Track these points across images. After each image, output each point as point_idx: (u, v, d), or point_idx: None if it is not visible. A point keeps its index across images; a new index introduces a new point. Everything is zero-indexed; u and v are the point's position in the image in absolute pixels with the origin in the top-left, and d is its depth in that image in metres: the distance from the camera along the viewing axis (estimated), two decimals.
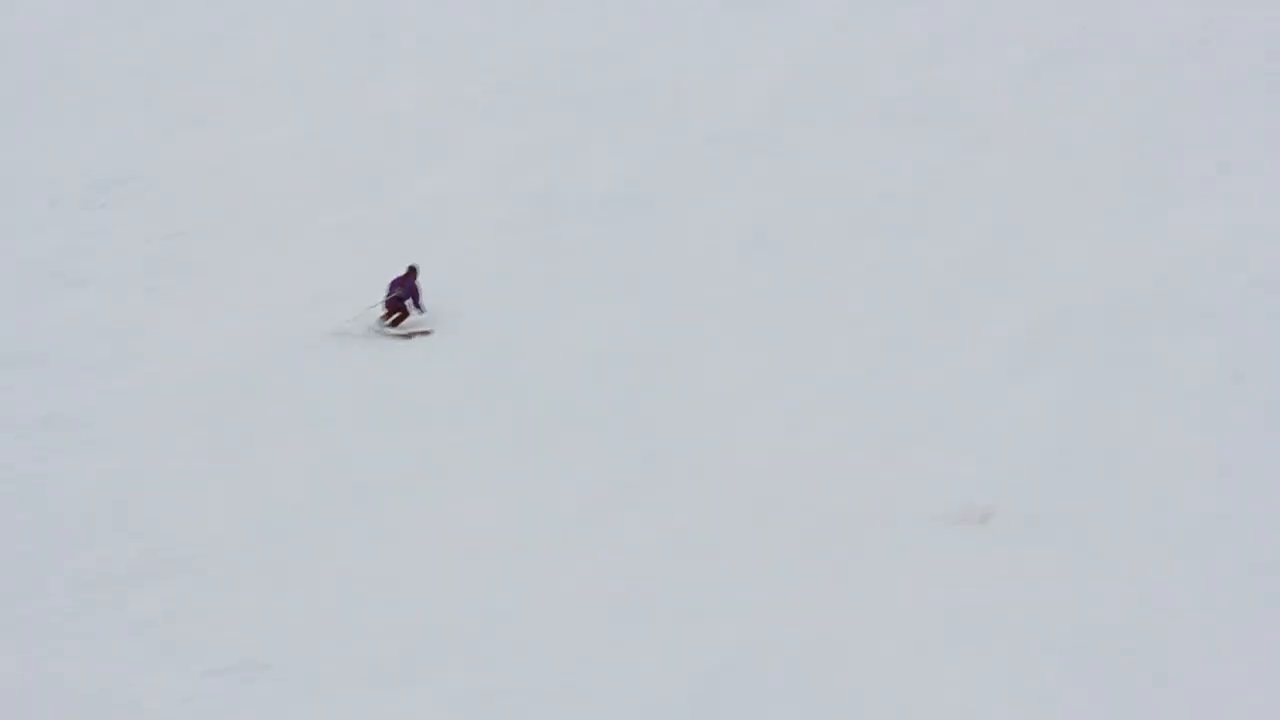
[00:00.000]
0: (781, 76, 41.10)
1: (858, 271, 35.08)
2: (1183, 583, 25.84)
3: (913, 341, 32.82)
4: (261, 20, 49.04)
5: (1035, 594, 25.95)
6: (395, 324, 35.35)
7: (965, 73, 39.96)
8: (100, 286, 37.51)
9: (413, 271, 35.45)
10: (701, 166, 38.79)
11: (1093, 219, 35.23)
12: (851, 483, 29.09)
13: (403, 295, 35.30)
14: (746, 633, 25.76)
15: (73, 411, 32.68)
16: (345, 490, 30.27)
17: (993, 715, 23.70)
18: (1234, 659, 24.21)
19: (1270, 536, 26.60)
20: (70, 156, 43.09)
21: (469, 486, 30.27)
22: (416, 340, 34.93)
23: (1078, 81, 38.87)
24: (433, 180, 39.65)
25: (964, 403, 30.92)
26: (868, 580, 26.75)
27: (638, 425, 31.40)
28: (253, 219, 39.31)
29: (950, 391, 31.32)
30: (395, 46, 48.18)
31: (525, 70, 44.07)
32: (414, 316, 35.49)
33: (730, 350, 33.14)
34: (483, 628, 26.65)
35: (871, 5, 46.14)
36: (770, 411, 31.31)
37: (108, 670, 25.94)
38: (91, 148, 43.59)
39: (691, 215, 37.20)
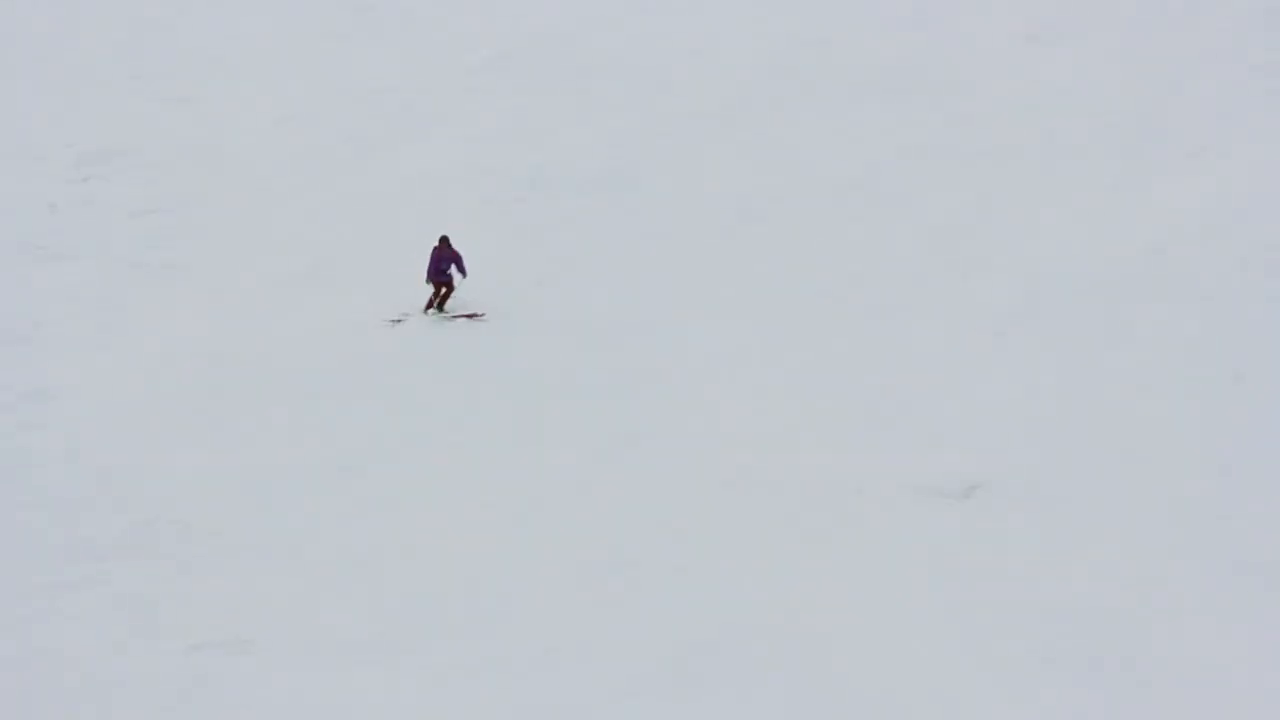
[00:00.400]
0: (764, 53, 41.00)
1: (842, 246, 35.04)
2: (1163, 557, 25.90)
3: (897, 315, 32.80)
4: None
5: (1015, 568, 26.03)
6: (443, 303, 34.75)
7: (949, 46, 39.86)
8: (85, 261, 37.42)
9: (445, 242, 34.49)
10: (685, 144, 38.73)
11: (1076, 193, 35.17)
12: (836, 455, 29.14)
13: (444, 267, 34.46)
14: (729, 604, 25.79)
15: (57, 386, 32.67)
16: (330, 466, 30.22)
17: (969, 687, 23.75)
18: (1209, 635, 24.29)
19: (1251, 511, 26.62)
20: (55, 131, 42.95)
21: (454, 462, 30.26)
22: (460, 321, 34.56)
23: (1061, 55, 38.80)
24: (417, 158, 39.57)
25: (948, 377, 30.91)
26: (849, 552, 26.83)
27: (621, 399, 31.41)
28: (238, 195, 39.24)
29: (934, 365, 31.31)
30: (380, 24, 48.10)
31: (510, 48, 44.00)
32: (458, 289, 34.82)
33: (715, 325, 33.12)
34: (466, 603, 26.66)
35: None
36: (754, 385, 31.32)
37: (91, 645, 25.94)
38: (77, 122, 43.49)
39: (675, 192, 37.15)
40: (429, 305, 34.71)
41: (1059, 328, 31.75)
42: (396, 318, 34.52)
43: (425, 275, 34.47)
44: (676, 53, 41.74)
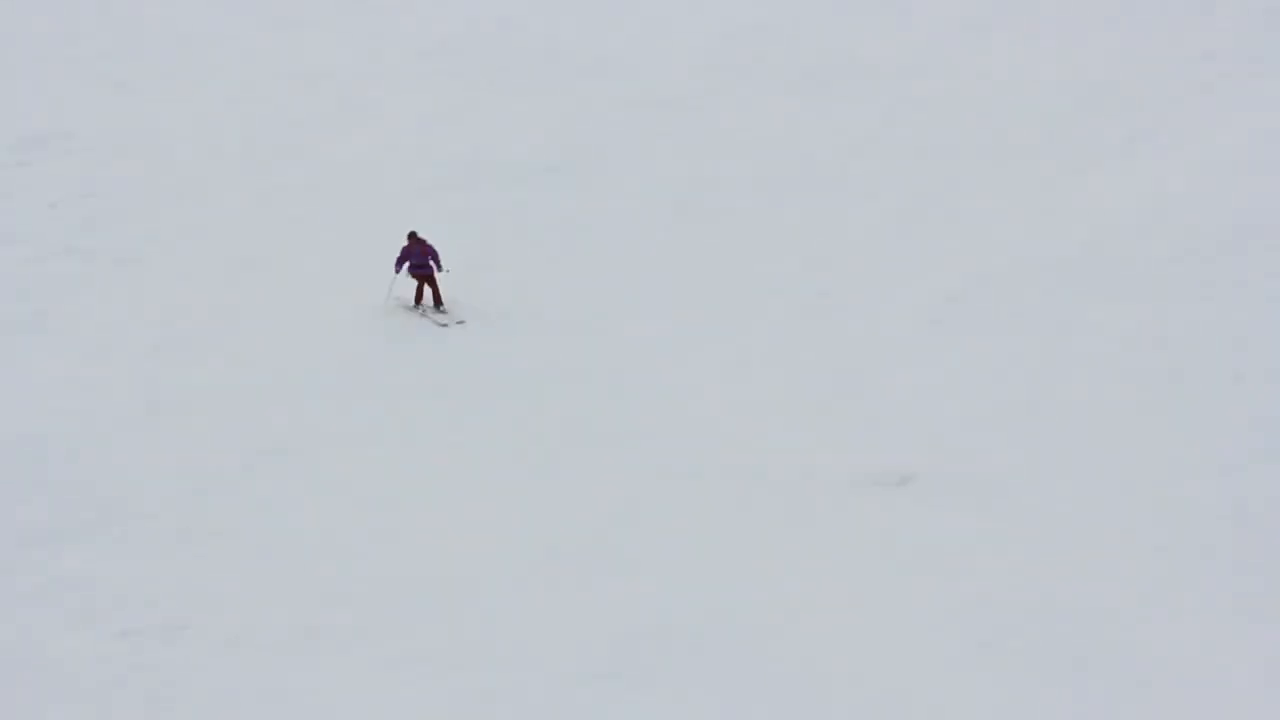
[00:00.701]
0: (706, 41, 40.92)
1: (782, 234, 35.09)
2: (1098, 544, 25.98)
3: (836, 304, 32.93)
4: None
5: (948, 556, 26.08)
6: (437, 299, 34.17)
7: (888, 36, 39.83)
8: (20, 246, 37.10)
9: (414, 237, 34.01)
10: (626, 130, 38.66)
11: (1014, 183, 35.33)
12: (774, 443, 29.15)
13: (424, 262, 33.93)
14: (675, 594, 25.82)
15: None
16: (270, 450, 30.08)
17: (900, 675, 23.82)
18: (1146, 615, 24.40)
19: (1182, 497, 26.72)
20: None
21: (401, 445, 30.19)
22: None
23: (999, 45, 38.84)
24: (355, 146, 39.44)
25: (885, 366, 31.05)
26: (795, 540, 26.99)
27: (564, 387, 31.47)
28: (176, 181, 38.89)
29: (872, 354, 31.45)
30: (324, 10, 47.78)
31: (450, 34, 43.76)
32: (441, 281, 34.34)
33: (656, 312, 33.10)
34: (409, 590, 26.59)
35: None
36: (695, 372, 31.40)
37: (27, 628, 25.75)
38: (13, 107, 43.06)
39: (616, 179, 37.14)
40: (418, 300, 34.33)
41: (996, 318, 31.85)
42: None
43: (398, 268, 34.01)
44: (620, 41, 41.67)
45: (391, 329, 33.71)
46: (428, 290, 34.27)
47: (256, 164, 39.43)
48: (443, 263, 34.04)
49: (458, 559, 27.31)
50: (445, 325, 33.70)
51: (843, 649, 24.58)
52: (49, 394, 32.06)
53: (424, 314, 34.11)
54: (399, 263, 33.93)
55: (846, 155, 36.47)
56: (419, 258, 33.86)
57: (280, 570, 27.18)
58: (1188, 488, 26.97)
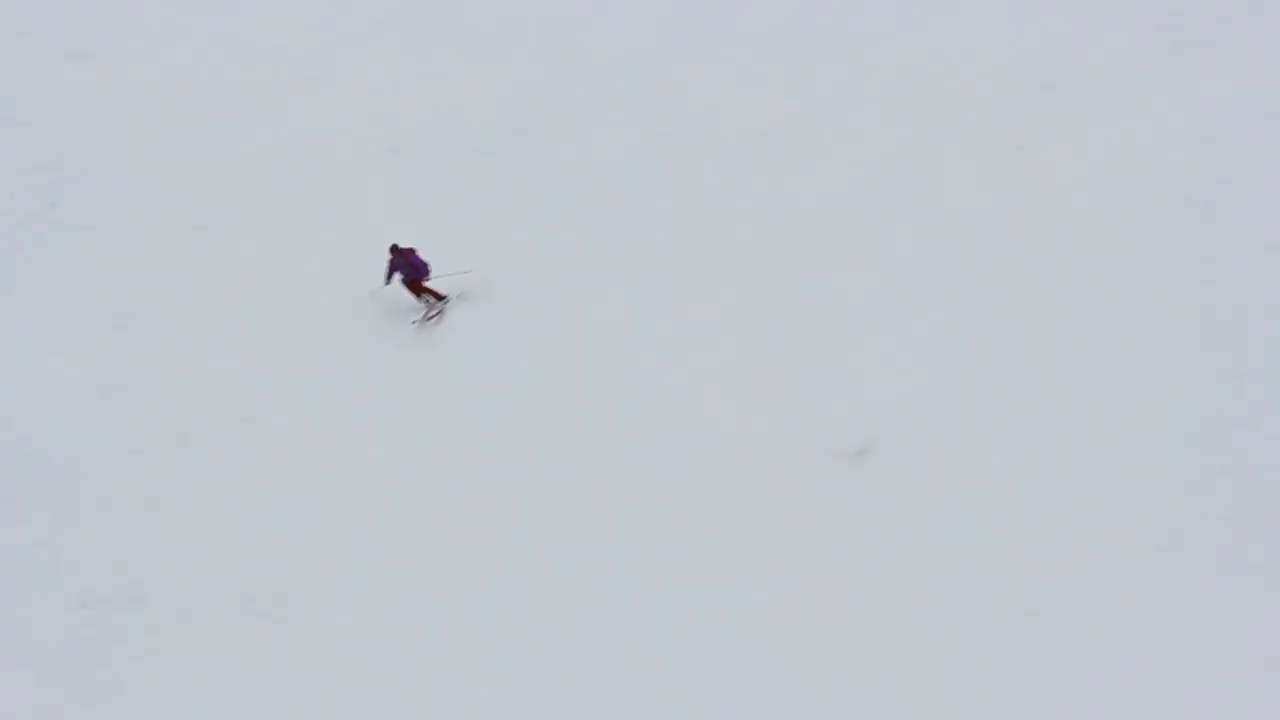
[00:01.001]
0: (666, 8, 40.70)
1: (743, 203, 35.07)
2: (1055, 517, 26.11)
3: (797, 274, 32.91)
4: None
5: (912, 525, 26.20)
6: (438, 299, 33.21)
7: (848, 4, 39.69)
8: None
9: (395, 249, 32.78)
10: (586, 98, 38.50)
11: (975, 151, 35.33)
12: (733, 413, 29.17)
13: (411, 272, 32.75)
14: (622, 561, 25.89)
15: None
16: (236, 419, 30.08)
17: (857, 647, 23.97)
18: (1105, 589, 24.56)
19: (1141, 467, 26.90)
20: None
21: (356, 415, 30.20)
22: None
23: (959, 11, 38.75)
24: (312, 114, 39.23)
25: (845, 336, 31.15)
26: (741, 511, 27.00)
27: (525, 353, 31.44)
28: (129, 149, 38.63)
29: (832, 325, 31.52)
30: None
31: (406, 3, 43.34)
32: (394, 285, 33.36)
33: (617, 281, 33.02)
34: (374, 561, 26.68)
35: None
36: (655, 341, 31.40)
37: None
38: None
39: (576, 146, 37.07)
40: (430, 305, 33.16)
41: (958, 288, 31.89)
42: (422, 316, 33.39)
43: (388, 280, 32.75)
44: (574, 8, 41.41)
45: (351, 290, 33.59)
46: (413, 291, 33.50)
47: (214, 132, 39.17)
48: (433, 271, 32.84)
49: (419, 528, 27.37)
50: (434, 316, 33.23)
51: (807, 619, 24.74)
52: (10, 362, 31.96)
53: (430, 314, 33.09)
54: (388, 276, 32.72)
55: (807, 123, 36.39)
56: (407, 268, 32.69)
57: (242, 540, 27.27)
58: (1154, 454, 27.12)
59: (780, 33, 39.42)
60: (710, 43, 39.54)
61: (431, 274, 32.99)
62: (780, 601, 25.17)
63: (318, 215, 35.72)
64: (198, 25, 42.57)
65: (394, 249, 32.78)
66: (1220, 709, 23.26)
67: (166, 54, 41.49)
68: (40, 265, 35.06)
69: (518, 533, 27.09)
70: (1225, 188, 32.40)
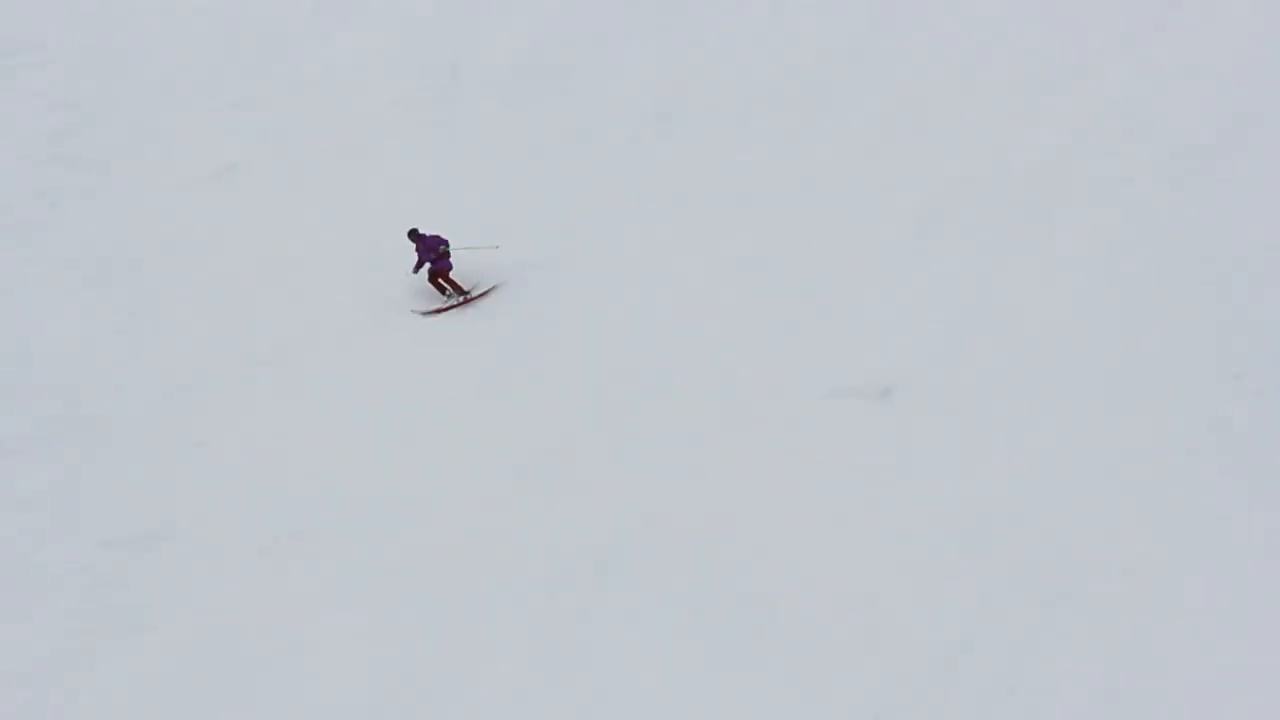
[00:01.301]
0: None
1: (759, 147, 34.90)
2: (1074, 458, 26.07)
3: (814, 216, 32.73)
4: None
5: (929, 467, 26.18)
6: (459, 290, 32.06)
7: None
8: (2, 154, 36.85)
9: (415, 234, 31.85)
10: (604, 38, 38.30)
11: (995, 91, 35.07)
12: (752, 357, 29.19)
13: (436, 258, 31.74)
14: (640, 507, 25.90)
15: None
16: (255, 361, 30.18)
17: (880, 586, 23.97)
18: (1121, 532, 24.58)
19: (1151, 409, 26.75)
20: None
21: (375, 354, 30.17)
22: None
23: None
24: (334, 52, 39.01)
25: (865, 278, 31.07)
26: (765, 452, 26.89)
27: (536, 297, 31.33)
28: (146, 91, 38.49)
29: (851, 267, 31.36)
30: None
31: None
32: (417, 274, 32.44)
33: (632, 226, 33.00)
34: (384, 498, 26.71)
35: None
36: (671, 286, 31.25)
37: (9, 539, 25.88)
38: None
39: (595, 91, 36.80)
40: (457, 295, 32.10)
41: (977, 229, 31.78)
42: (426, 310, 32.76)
43: (417, 268, 31.79)
44: None
45: (366, 233, 33.54)
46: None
47: (234, 71, 39.06)
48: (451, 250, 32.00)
49: (433, 471, 27.42)
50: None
51: (824, 557, 24.75)
52: (31, 309, 32.01)
53: (445, 308, 32.03)
54: (416, 266, 31.84)
55: (821, 70, 36.17)
56: (433, 251, 31.71)
57: (262, 481, 27.27)
58: (1172, 395, 27.04)
59: None
60: None
61: (450, 247, 32.00)
62: (807, 539, 25.21)
63: (337, 153, 35.65)
64: None
65: (414, 234, 31.86)
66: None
67: None
68: (61, 211, 35.04)
69: (539, 473, 27.15)
70: (1249, 123, 32.25)
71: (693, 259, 31.99)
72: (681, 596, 24.54)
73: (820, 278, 31.17)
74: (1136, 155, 32.83)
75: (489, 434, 28.27)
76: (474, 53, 38.62)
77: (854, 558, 24.77)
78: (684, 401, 28.50)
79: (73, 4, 41.58)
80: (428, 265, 31.78)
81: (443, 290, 32.11)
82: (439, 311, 31.81)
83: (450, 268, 31.95)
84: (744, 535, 25.40)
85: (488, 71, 37.88)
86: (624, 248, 32.65)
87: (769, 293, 30.95)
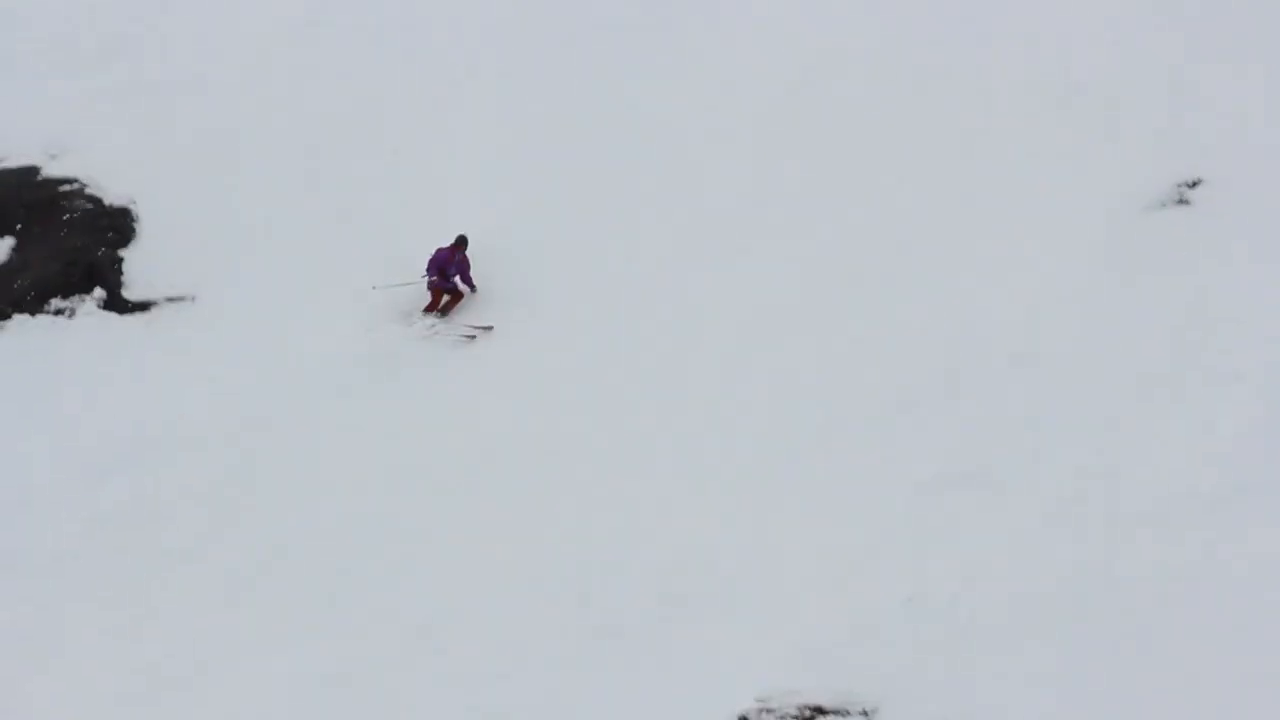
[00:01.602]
0: None
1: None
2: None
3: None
4: None
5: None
6: (445, 311, 30.82)
7: None
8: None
9: (462, 242, 30.81)
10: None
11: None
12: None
13: (451, 273, 30.70)
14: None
15: None
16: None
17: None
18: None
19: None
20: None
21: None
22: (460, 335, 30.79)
23: None
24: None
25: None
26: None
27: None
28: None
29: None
30: None
31: None
32: (467, 298, 31.14)
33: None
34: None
35: None
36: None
37: None
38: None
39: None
40: (431, 308, 30.84)
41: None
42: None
43: (425, 275, 30.82)
44: None
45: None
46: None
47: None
48: (475, 284, 30.93)
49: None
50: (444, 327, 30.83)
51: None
52: None
53: (433, 327, 30.64)
54: (434, 274, 30.76)
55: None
56: (450, 268, 30.67)
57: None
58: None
59: None
60: None
61: (465, 290, 31.01)
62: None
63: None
64: None
65: (459, 241, 30.88)
66: None
67: None
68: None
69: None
70: None
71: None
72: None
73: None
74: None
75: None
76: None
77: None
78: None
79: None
80: (428, 277, 30.81)
81: (439, 307, 30.94)
82: (437, 331, 30.57)
83: (450, 290, 30.92)
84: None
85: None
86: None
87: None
